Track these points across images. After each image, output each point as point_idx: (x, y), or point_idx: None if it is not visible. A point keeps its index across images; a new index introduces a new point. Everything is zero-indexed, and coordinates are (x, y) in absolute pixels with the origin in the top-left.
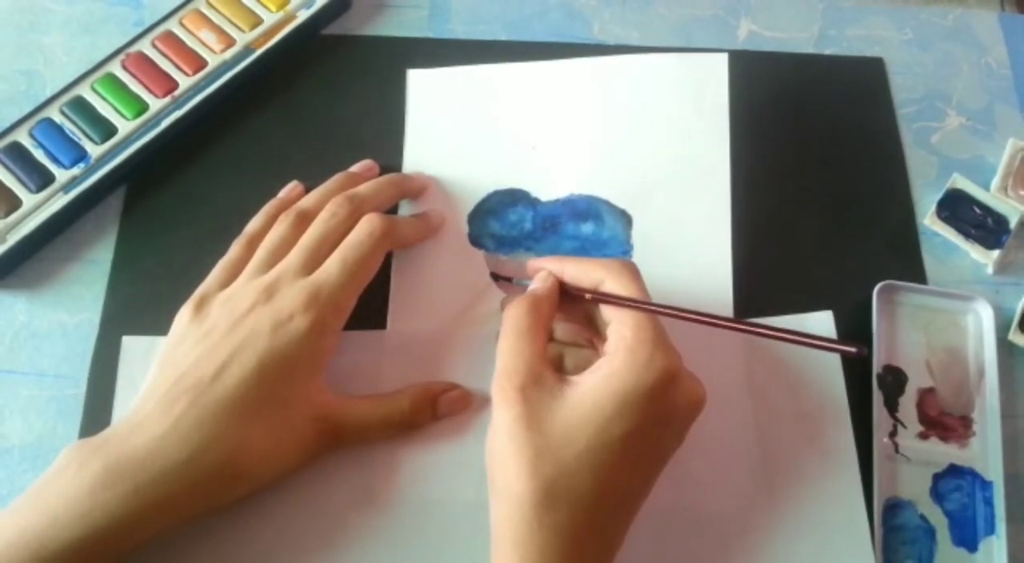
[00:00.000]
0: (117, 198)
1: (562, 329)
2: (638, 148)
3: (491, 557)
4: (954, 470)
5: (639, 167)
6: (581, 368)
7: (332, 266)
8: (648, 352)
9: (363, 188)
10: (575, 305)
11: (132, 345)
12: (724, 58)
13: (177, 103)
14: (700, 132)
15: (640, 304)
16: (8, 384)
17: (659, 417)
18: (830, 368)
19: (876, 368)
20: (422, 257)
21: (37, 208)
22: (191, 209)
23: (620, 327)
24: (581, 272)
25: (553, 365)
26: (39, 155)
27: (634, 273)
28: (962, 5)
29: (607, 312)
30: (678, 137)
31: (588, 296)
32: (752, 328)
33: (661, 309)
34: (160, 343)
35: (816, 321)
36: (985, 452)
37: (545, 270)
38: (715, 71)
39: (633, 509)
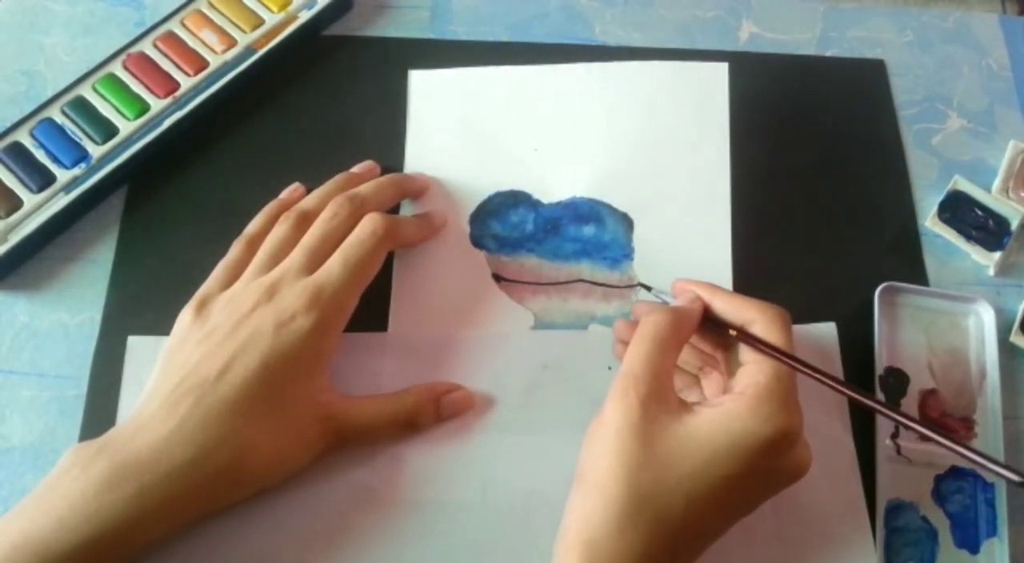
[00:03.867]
0: (118, 198)
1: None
2: (639, 153)
3: (556, 547)
4: (956, 472)
5: (640, 171)
6: (685, 390)
7: (334, 266)
8: (776, 406)
9: (364, 188)
10: (701, 332)
11: (137, 345)
12: (724, 67)
13: (178, 103)
14: (701, 138)
15: (786, 357)
16: (9, 384)
17: (763, 471)
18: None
19: (878, 370)
20: (424, 258)
21: (38, 208)
22: (192, 209)
23: (756, 371)
24: (732, 307)
25: None
26: (40, 155)
27: (787, 323)
28: (963, 7)
29: (747, 353)
30: (679, 142)
31: (733, 332)
32: (897, 415)
33: (806, 368)
34: (165, 343)
35: (820, 332)
36: (987, 453)
37: (695, 293)
38: (716, 80)
39: (705, 546)
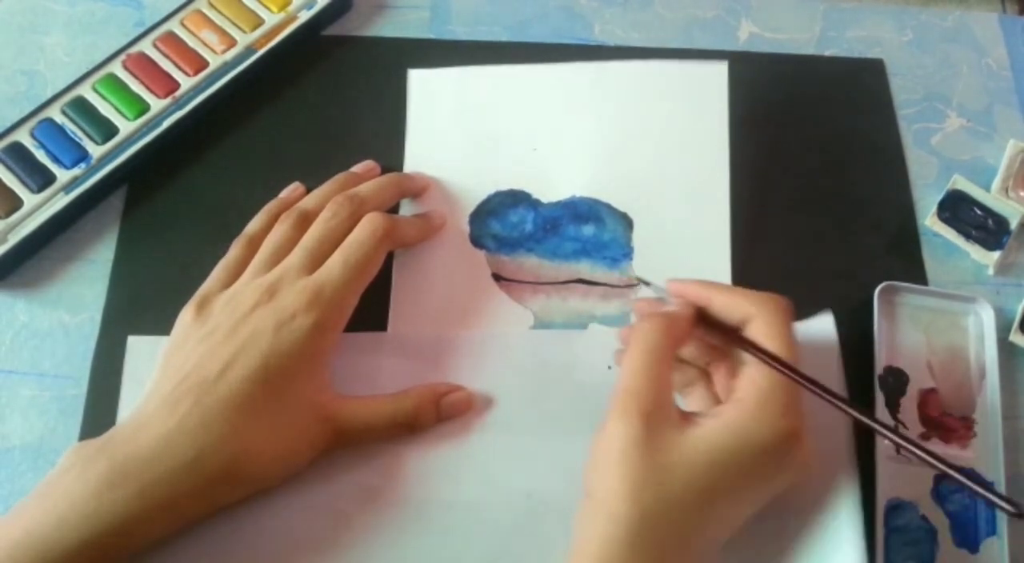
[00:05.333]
0: (118, 198)
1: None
2: (639, 151)
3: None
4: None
5: (640, 170)
6: (681, 387)
7: (334, 265)
8: (779, 411)
9: (364, 188)
10: (703, 330)
11: (137, 345)
12: (724, 66)
13: (178, 103)
14: (700, 137)
15: (780, 363)
16: (9, 384)
17: (767, 475)
18: (831, 376)
19: (877, 369)
20: (423, 258)
21: (38, 208)
22: (192, 209)
23: (757, 375)
24: (730, 304)
25: None
26: (40, 155)
27: (787, 315)
28: (962, 6)
29: (746, 353)
30: (678, 141)
31: (728, 335)
32: (892, 436)
33: (803, 380)
34: (165, 343)
35: (818, 325)
36: (986, 453)
37: (689, 295)
38: (715, 78)
39: (714, 552)
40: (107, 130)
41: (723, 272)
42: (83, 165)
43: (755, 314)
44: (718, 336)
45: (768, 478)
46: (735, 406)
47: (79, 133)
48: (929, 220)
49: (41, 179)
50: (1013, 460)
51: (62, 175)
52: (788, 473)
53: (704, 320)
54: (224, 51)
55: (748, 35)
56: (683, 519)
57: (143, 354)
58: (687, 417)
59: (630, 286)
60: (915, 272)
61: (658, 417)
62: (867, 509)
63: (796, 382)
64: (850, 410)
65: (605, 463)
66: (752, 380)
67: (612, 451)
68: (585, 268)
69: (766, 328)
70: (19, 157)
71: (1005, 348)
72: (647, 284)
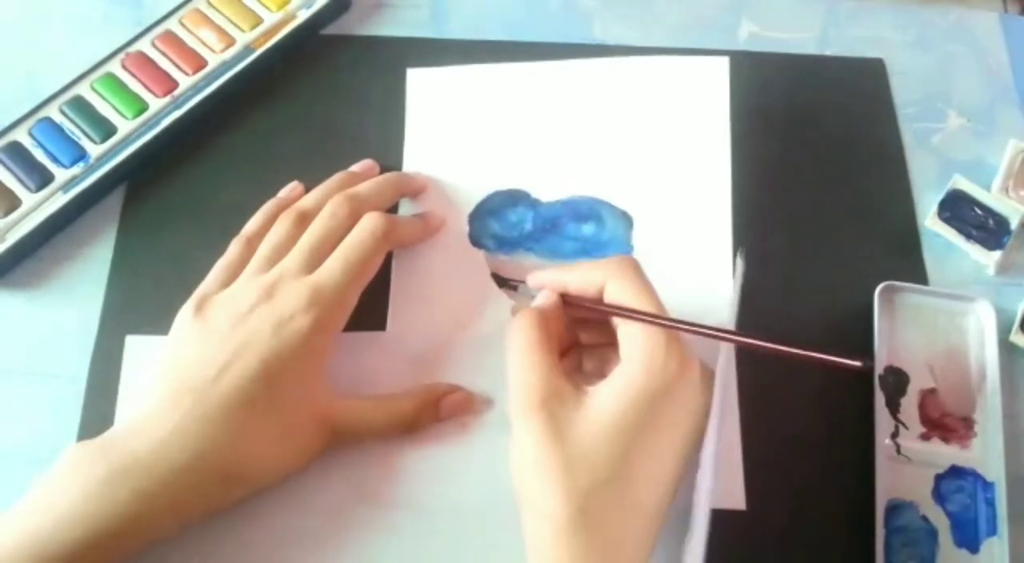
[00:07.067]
0: (117, 197)
1: (583, 332)
2: (639, 149)
3: None
4: (956, 471)
5: (640, 168)
6: (601, 367)
7: (333, 265)
8: (662, 354)
9: (363, 187)
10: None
11: (136, 344)
12: (725, 61)
13: (177, 102)
14: (701, 134)
15: (642, 316)
16: (7, 383)
17: (681, 412)
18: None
19: (878, 369)
20: (422, 258)
21: (37, 207)
22: (191, 208)
23: (631, 331)
24: (583, 279)
25: (573, 370)
26: (39, 154)
27: (634, 269)
28: (963, 5)
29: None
30: (679, 139)
31: (590, 307)
32: (756, 342)
33: (665, 321)
34: (163, 342)
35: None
36: (987, 453)
37: (546, 289)
38: (716, 74)
39: (665, 505)
40: (106, 129)
41: (724, 270)
42: (82, 164)
43: (606, 278)
44: (587, 311)
45: (682, 415)
46: (623, 366)
47: (77, 132)
48: (929, 220)
49: (39, 178)
50: (1014, 460)
51: (60, 174)
52: (695, 401)
53: (569, 302)
54: (223, 50)
55: (748, 34)
56: (617, 488)
57: (141, 354)
58: (584, 391)
59: None
60: (915, 272)
61: (554, 402)
62: (867, 509)
63: (660, 326)
64: (716, 334)
65: (523, 465)
66: (629, 338)
67: (526, 452)
68: None
69: (620, 287)
70: (17, 156)
71: (1005, 348)
72: (514, 287)
